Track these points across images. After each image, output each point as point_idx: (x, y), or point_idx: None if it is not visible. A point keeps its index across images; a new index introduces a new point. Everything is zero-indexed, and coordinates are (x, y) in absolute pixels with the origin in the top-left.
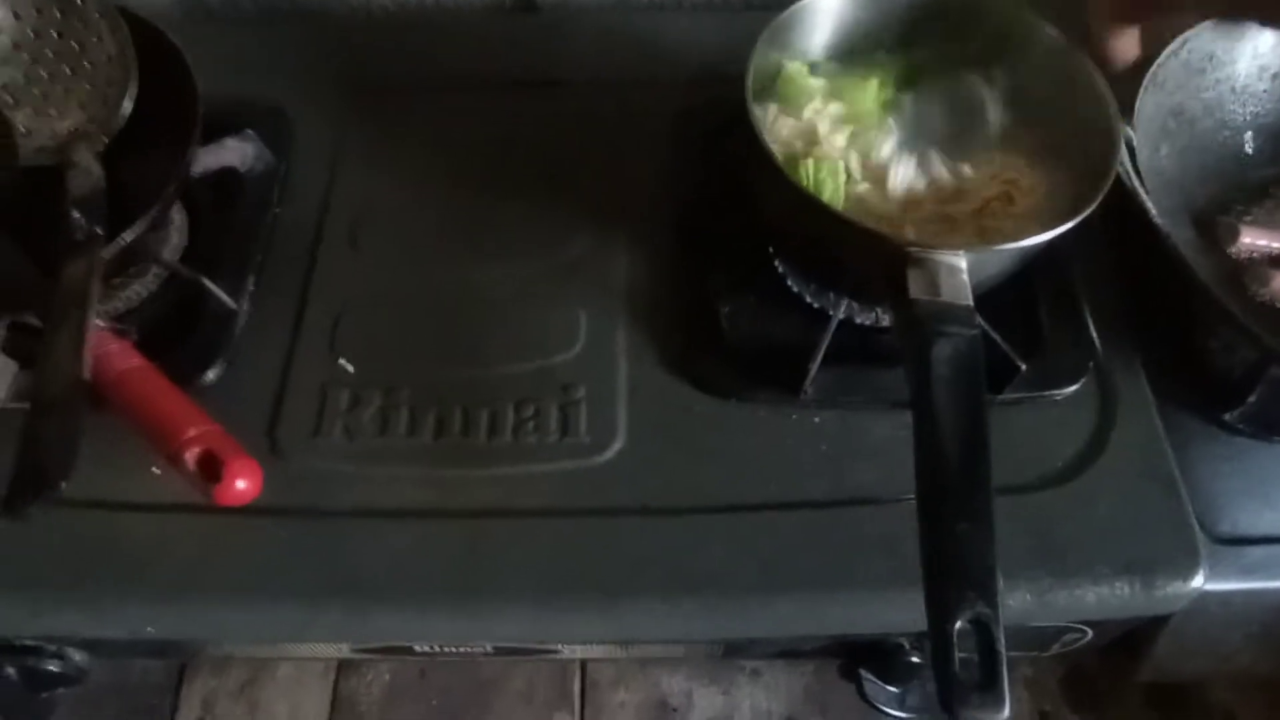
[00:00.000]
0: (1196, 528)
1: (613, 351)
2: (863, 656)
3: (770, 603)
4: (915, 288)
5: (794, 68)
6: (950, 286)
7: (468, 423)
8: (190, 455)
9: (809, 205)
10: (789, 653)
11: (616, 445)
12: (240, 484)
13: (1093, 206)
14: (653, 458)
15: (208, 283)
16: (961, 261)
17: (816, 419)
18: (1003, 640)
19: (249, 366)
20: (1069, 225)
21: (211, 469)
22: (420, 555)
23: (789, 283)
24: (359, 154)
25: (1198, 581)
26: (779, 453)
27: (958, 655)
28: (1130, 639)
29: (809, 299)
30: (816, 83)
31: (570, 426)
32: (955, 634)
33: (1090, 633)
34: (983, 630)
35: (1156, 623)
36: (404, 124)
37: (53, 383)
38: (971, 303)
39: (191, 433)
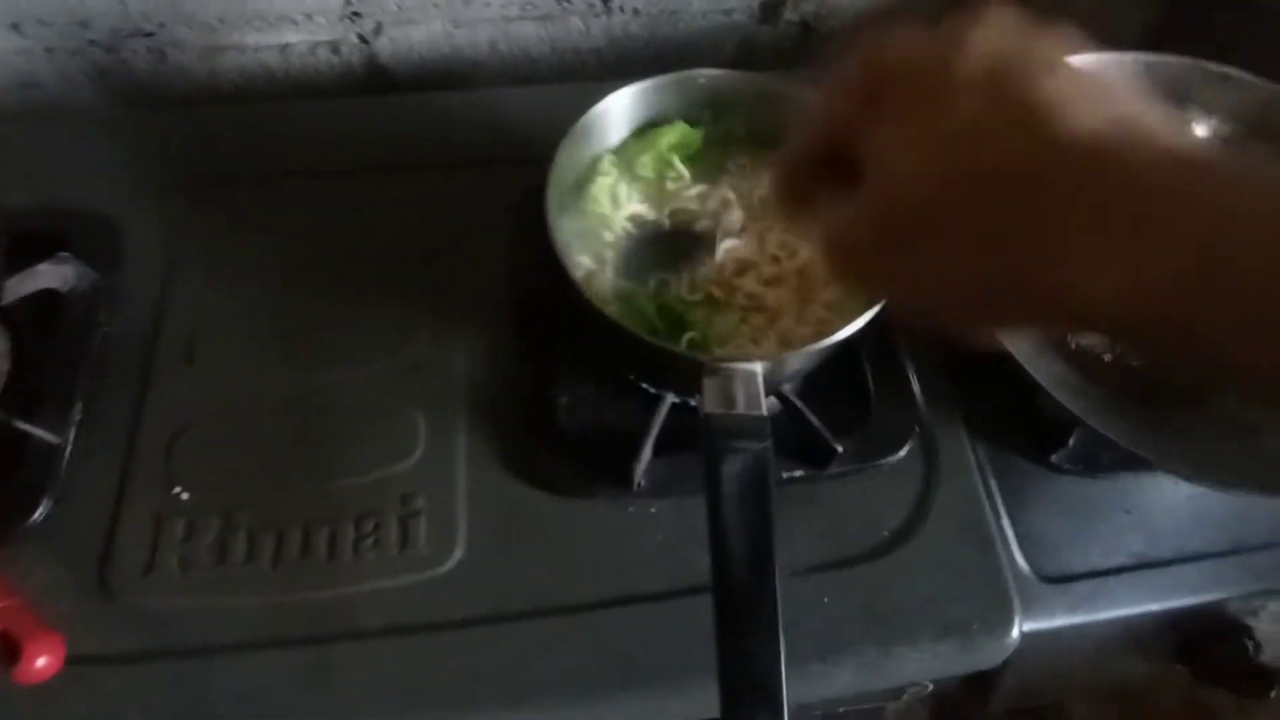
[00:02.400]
0: (1010, 584)
1: (452, 455)
2: None
3: (614, 700)
4: (710, 400)
5: (602, 181)
6: (745, 397)
7: (307, 543)
8: None
9: (604, 323)
10: None
11: (457, 555)
12: (40, 662)
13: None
14: (493, 564)
15: (23, 425)
16: (757, 368)
17: (653, 509)
18: None
19: (78, 502)
20: (861, 323)
21: (10, 648)
22: (264, 688)
23: (625, 372)
24: (194, 259)
25: (1013, 637)
26: (618, 547)
27: None
28: (984, 675)
29: (645, 385)
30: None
31: (410, 538)
32: None
33: (930, 684)
34: None
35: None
36: (242, 222)
37: None
38: (764, 412)
39: None
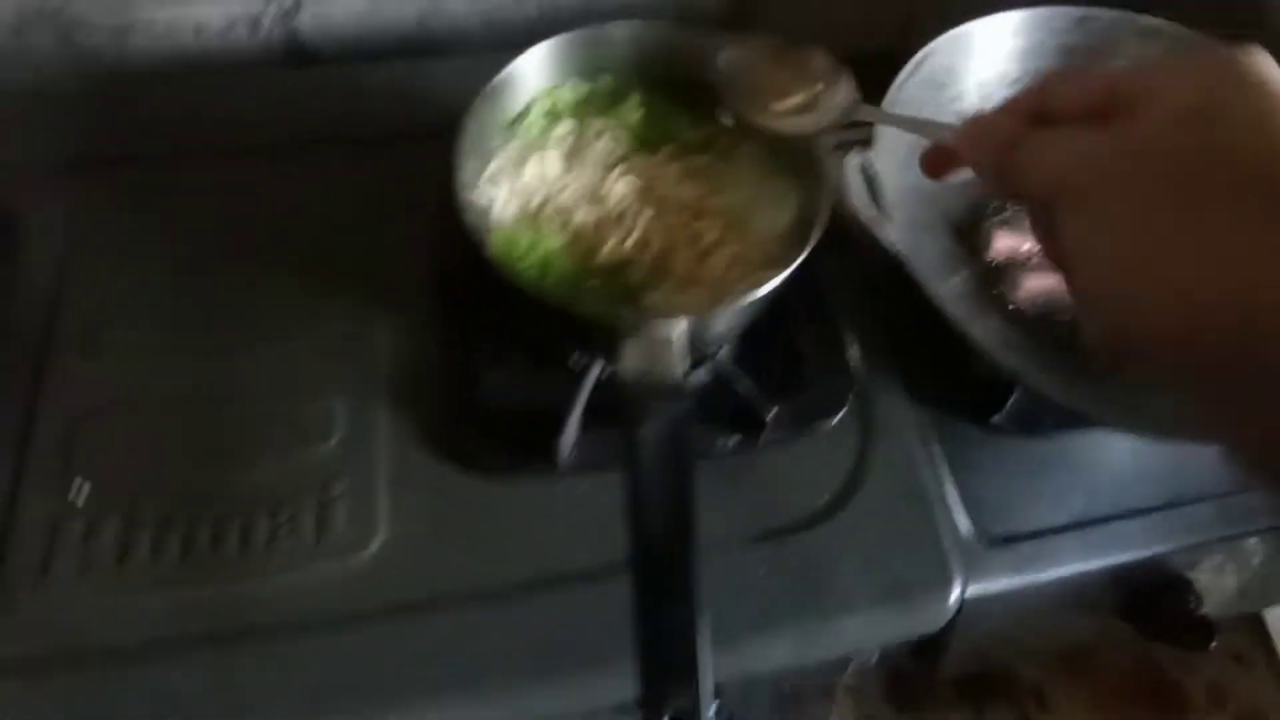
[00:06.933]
0: (947, 544)
1: (372, 438)
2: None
3: (545, 685)
4: (628, 361)
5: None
6: (663, 358)
7: (217, 536)
8: None
9: (519, 289)
10: None
11: (378, 540)
12: None
13: (798, 261)
14: (417, 548)
15: None
16: (673, 331)
17: (580, 487)
18: None
19: None
20: (780, 279)
21: None
22: (170, 690)
23: (551, 345)
24: (95, 244)
25: (953, 598)
26: (545, 526)
27: None
28: (931, 641)
29: (569, 362)
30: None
31: (328, 525)
32: None
33: (876, 652)
34: None
35: (943, 628)
36: (148, 204)
37: None
38: (680, 375)
39: None
